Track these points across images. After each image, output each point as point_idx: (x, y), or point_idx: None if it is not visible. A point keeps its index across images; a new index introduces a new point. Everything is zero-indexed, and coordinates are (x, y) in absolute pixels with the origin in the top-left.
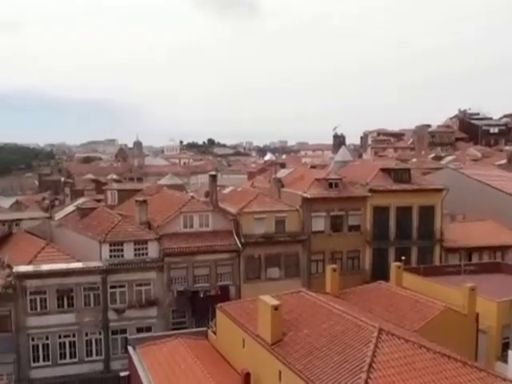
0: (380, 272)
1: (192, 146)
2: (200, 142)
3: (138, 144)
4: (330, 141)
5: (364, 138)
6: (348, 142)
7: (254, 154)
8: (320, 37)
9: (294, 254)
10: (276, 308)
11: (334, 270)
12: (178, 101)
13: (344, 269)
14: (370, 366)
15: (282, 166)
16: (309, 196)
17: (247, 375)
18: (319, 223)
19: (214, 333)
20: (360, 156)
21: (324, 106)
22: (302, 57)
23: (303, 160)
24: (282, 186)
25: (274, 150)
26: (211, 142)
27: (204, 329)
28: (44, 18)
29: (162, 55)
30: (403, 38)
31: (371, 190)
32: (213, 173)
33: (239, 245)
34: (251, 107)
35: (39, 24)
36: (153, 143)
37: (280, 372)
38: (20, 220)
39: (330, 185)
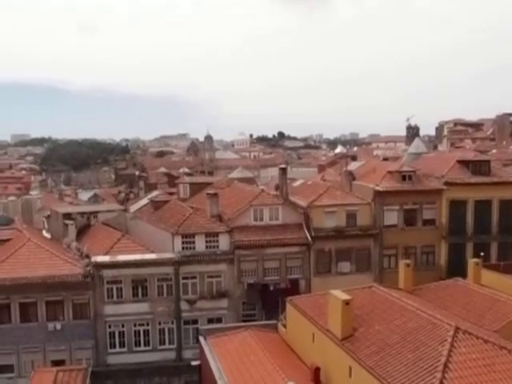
0: (456, 268)
1: (262, 140)
2: (270, 135)
3: (208, 138)
4: (403, 132)
5: (439, 128)
6: (422, 133)
7: (324, 146)
8: (395, 25)
9: (366, 248)
10: (347, 303)
11: (408, 266)
12: (248, 94)
13: (418, 264)
14: (446, 365)
15: (353, 158)
16: (381, 189)
17: (317, 370)
18: (392, 217)
19: (284, 326)
20: (435, 147)
21: (397, 97)
22: (375, 47)
23: (375, 152)
24: (353, 178)
25: (344, 143)
26: (281, 135)
27: (274, 322)
28: (117, 18)
29: (230, 48)
30: (488, 23)
31: (447, 183)
32: (283, 166)
33: (309, 238)
34: (322, 99)
35: (113, 24)
36: (223, 137)
37: (350, 368)
38: (97, 212)
39: (404, 177)
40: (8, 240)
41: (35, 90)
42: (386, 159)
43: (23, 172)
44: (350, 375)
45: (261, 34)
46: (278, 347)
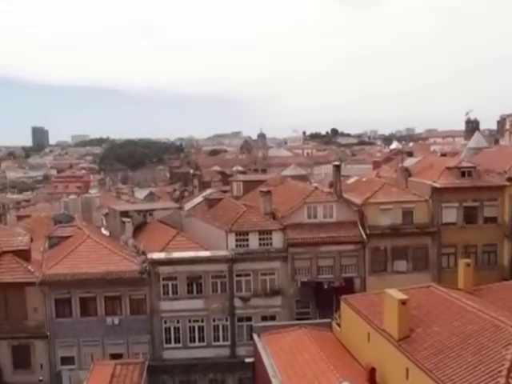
0: None
1: (315, 137)
2: (323, 132)
3: (261, 136)
4: (461, 127)
5: (501, 122)
6: (482, 127)
7: (379, 142)
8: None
9: (423, 246)
10: (403, 302)
11: (468, 265)
12: (301, 91)
13: (479, 264)
14: (510, 370)
15: (409, 154)
16: (439, 185)
17: (372, 370)
18: (450, 214)
19: (338, 325)
20: (496, 142)
21: (455, 92)
22: (430, 43)
23: (432, 148)
24: (410, 175)
25: (400, 138)
26: (334, 132)
27: (328, 320)
28: (171, 19)
29: (279, 43)
30: None
31: (510, 179)
32: (336, 163)
33: (364, 236)
34: (376, 95)
35: (166, 25)
36: (276, 135)
37: (407, 369)
38: (153, 210)
39: (463, 173)
40: (69, 237)
41: (94, 91)
42: (443, 155)
43: (83, 171)
44: (407, 377)
45: (306, 26)
46: (333, 346)
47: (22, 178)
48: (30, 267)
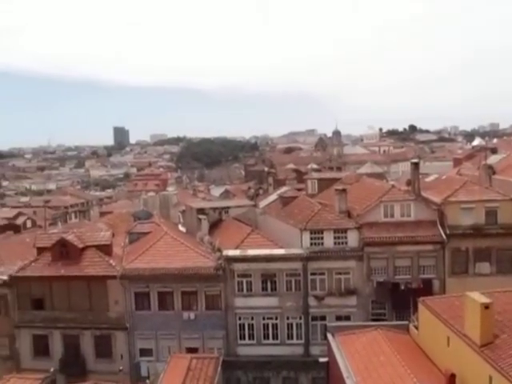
0: None
1: (392, 133)
2: (400, 129)
3: (336, 133)
4: None
5: None
6: None
7: (459, 139)
8: None
9: (509, 248)
10: (486, 306)
11: None
12: (376, 88)
13: None
14: None
15: (493, 151)
16: None
17: (452, 376)
18: None
19: (416, 327)
20: None
21: None
22: None
23: None
24: (494, 173)
25: (483, 134)
26: (412, 128)
27: (405, 322)
28: (245, 19)
29: (356, 40)
30: None
31: None
32: (415, 160)
33: (444, 236)
34: (456, 89)
35: (240, 26)
36: (351, 132)
37: (491, 377)
38: (228, 208)
39: None
40: (148, 233)
41: (172, 92)
42: None
43: (161, 169)
44: None
45: (386, 25)
46: (409, 349)
47: (105, 176)
48: (111, 261)
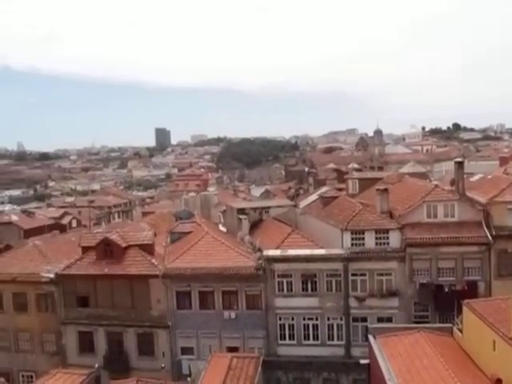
0: None
1: (435, 132)
2: (444, 127)
3: (378, 132)
4: None
5: None
6: None
7: (506, 137)
8: None
9: None
10: None
11: None
12: (419, 85)
13: None
14: None
15: None
16: None
17: (498, 381)
18: None
19: (460, 330)
20: None
21: None
22: None
23: None
24: None
25: None
26: (456, 127)
27: (448, 325)
28: (283, 18)
29: (395, 36)
30: None
31: None
32: (459, 159)
33: (489, 237)
34: (502, 85)
35: (279, 25)
36: (393, 131)
37: None
38: (269, 208)
39: None
40: (189, 232)
41: (212, 93)
42: None
43: (202, 170)
44: None
45: (422, 19)
46: (453, 353)
47: (147, 177)
48: (153, 260)
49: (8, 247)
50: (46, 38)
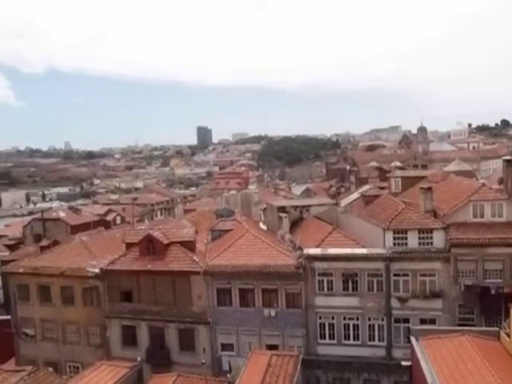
0: None
1: (482, 129)
2: (492, 124)
3: (422, 129)
4: None
5: None
6: None
7: None
8: None
9: None
10: None
11: None
12: (464, 81)
13: None
14: None
15: None
16: None
17: None
18: None
19: (508, 335)
20: None
21: None
22: None
23: None
24: None
25: None
26: (505, 123)
27: (495, 329)
28: (322, 17)
29: (439, 31)
30: None
31: None
32: (508, 157)
33: None
34: None
35: (318, 23)
36: (438, 128)
37: None
38: (309, 206)
39: None
40: (230, 230)
41: (253, 91)
42: None
43: (242, 168)
44: None
45: (468, 11)
46: (500, 358)
47: (188, 175)
48: (194, 257)
49: (56, 242)
50: (92, 40)
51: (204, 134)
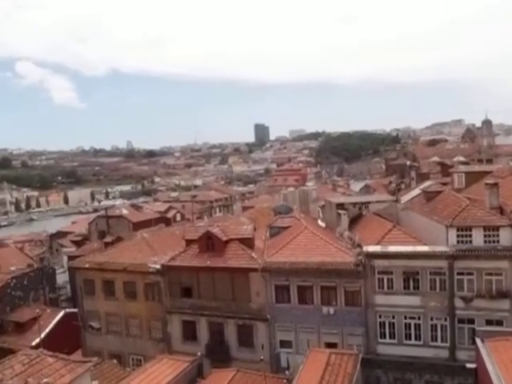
0: None
1: None
2: None
3: (487, 123)
4: None
5: None
6: None
7: None
8: None
9: None
10: None
11: None
12: None
13: None
14: None
15: None
16: None
17: None
18: None
19: None
20: None
21: None
22: None
23: None
24: None
25: None
26: None
27: None
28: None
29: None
30: None
31: None
32: None
33: None
34: None
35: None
36: (504, 121)
37: None
38: (369, 203)
39: None
40: (288, 227)
41: (309, 87)
42: None
43: (300, 165)
44: None
45: None
46: None
47: (246, 172)
48: (253, 254)
49: (119, 239)
50: (152, 41)
51: (261, 131)
